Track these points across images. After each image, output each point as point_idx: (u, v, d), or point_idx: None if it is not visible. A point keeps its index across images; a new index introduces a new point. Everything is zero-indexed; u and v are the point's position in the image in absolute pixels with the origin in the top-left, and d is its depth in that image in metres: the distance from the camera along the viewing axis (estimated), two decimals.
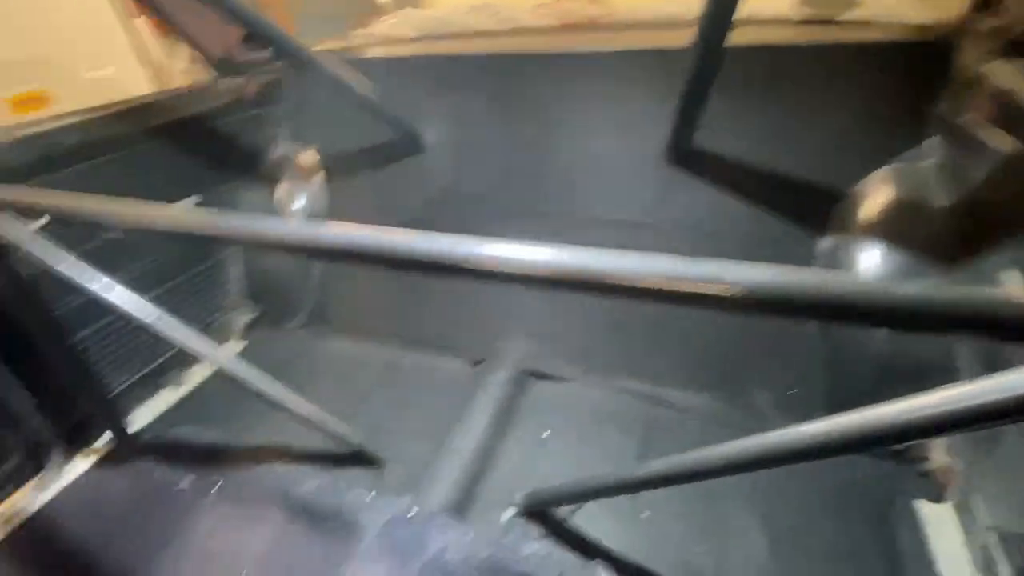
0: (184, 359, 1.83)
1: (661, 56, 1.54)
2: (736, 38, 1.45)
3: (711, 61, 1.11)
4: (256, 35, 1.56)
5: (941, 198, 1.27)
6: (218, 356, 1.34)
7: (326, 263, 2.01)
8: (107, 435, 1.56)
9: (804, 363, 1.44)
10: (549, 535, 1.24)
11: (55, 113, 1.49)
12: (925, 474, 1.28)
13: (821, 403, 1.43)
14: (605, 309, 1.67)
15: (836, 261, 1.38)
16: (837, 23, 1.56)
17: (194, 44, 1.76)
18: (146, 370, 1.73)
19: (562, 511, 1.28)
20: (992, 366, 1.07)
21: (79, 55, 2.90)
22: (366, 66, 1.86)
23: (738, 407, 1.49)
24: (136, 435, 1.54)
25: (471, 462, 1.40)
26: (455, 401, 1.61)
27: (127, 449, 1.53)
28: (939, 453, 1.27)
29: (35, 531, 1.38)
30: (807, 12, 1.64)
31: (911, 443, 1.30)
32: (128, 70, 3.25)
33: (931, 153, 1.33)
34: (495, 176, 1.78)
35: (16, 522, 1.39)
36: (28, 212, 1.09)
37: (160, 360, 1.77)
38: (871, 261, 1.31)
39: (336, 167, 1.99)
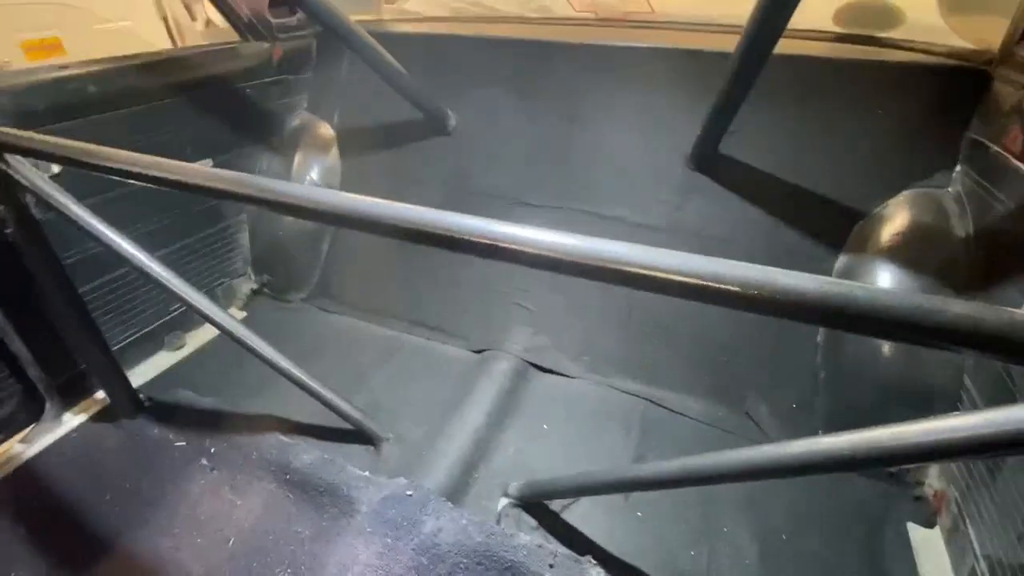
0: (186, 321, 1.82)
1: (695, 57, 1.52)
2: (774, 48, 1.44)
3: (753, 68, 1.10)
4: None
5: (961, 228, 1.27)
6: (223, 318, 1.33)
7: (335, 239, 1.99)
8: (104, 391, 1.55)
9: (805, 378, 1.45)
10: (542, 527, 1.24)
11: (68, 61, 1.47)
12: (919, 498, 1.29)
13: (819, 419, 1.43)
14: (610, 309, 1.66)
15: (856, 280, 1.38)
16: (875, 41, 1.54)
17: (223, 4, 1.73)
18: (147, 329, 1.72)
19: (556, 504, 1.28)
20: (995, 398, 1.08)
21: (97, 4, 2.86)
22: (394, 42, 1.84)
23: (736, 416, 1.50)
24: (134, 393, 1.53)
25: (468, 448, 1.40)
26: (455, 386, 1.61)
27: (123, 406, 1.52)
28: (934, 478, 1.28)
29: (24, 480, 1.37)
30: (845, 27, 1.62)
31: (907, 467, 1.31)
32: (146, 24, 3.20)
33: (957, 180, 1.32)
34: (514, 165, 1.77)
35: (6, 470, 1.38)
36: (44, 158, 1.07)
37: (162, 320, 1.75)
38: (886, 284, 1.31)
39: (354, 142, 1.97)
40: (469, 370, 1.67)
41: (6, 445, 1.44)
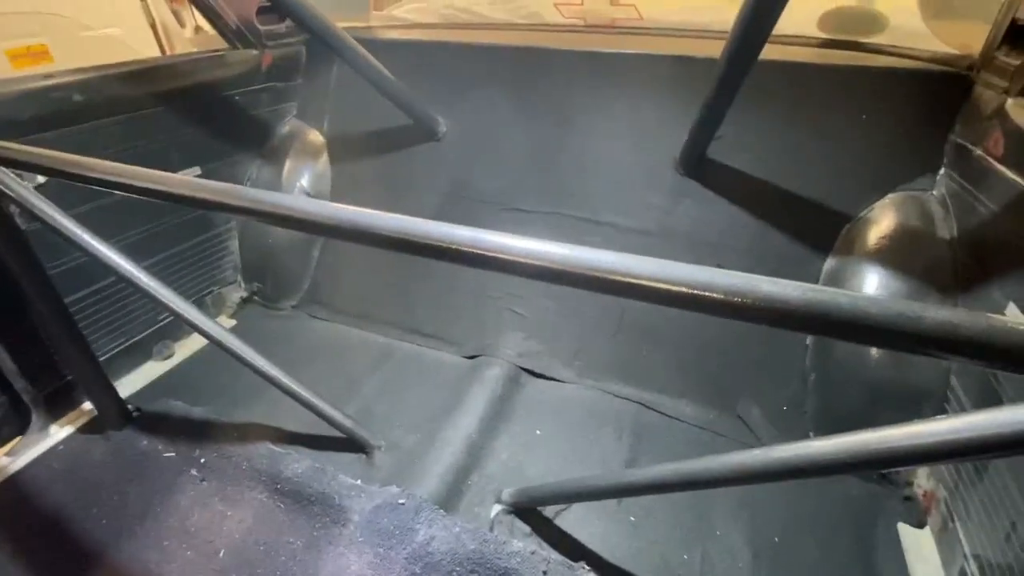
0: (175, 331, 1.81)
1: (683, 63, 1.54)
2: (760, 53, 1.45)
3: (738, 74, 1.11)
4: (278, 6, 1.52)
5: (945, 230, 1.29)
6: (211, 328, 1.32)
7: (326, 246, 1.99)
8: (91, 402, 1.53)
9: (795, 381, 1.46)
10: (535, 533, 1.24)
11: (55, 69, 1.46)
12: (909, 498, 1.30)
13: (810, 421, 1.44)
14: (602, 314, 1.67)
15: (839, 283, 1.39)
16: (860, 46, 1.56)
17: (210, 11, 1.72)
18: (135, 339, 1.70)
19: (549, 510, 1.28)
20: (982, 399, 1.10)
21: (84, 11, 2.83)
22: (383, 48, 1.84)
23: (728, 419, 1.50)
24: (121, 404, 1.51)
25: (461, 455, 1.40)
26: (448, 393, 1.60)
27: (111, 417, 1.50)
28: (923, 479, 1.29)
29: (10, 493, 1.35)
30: (830, 33, 1.65)
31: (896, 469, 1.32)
32: (134, 32, 3.17)
33: (942, 183, 1.34)
34: (505, 172, 1.77)
35: None
36: (28, 169, 1.06)
37: (150, 329, 1.74)
38: (873, 287, 1.33)
39: (344, 148, 1.97)
40: (461, 376, 1.67)
41: None
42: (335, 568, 1.14)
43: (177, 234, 1.76)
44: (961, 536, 1.10)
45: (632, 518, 1.28)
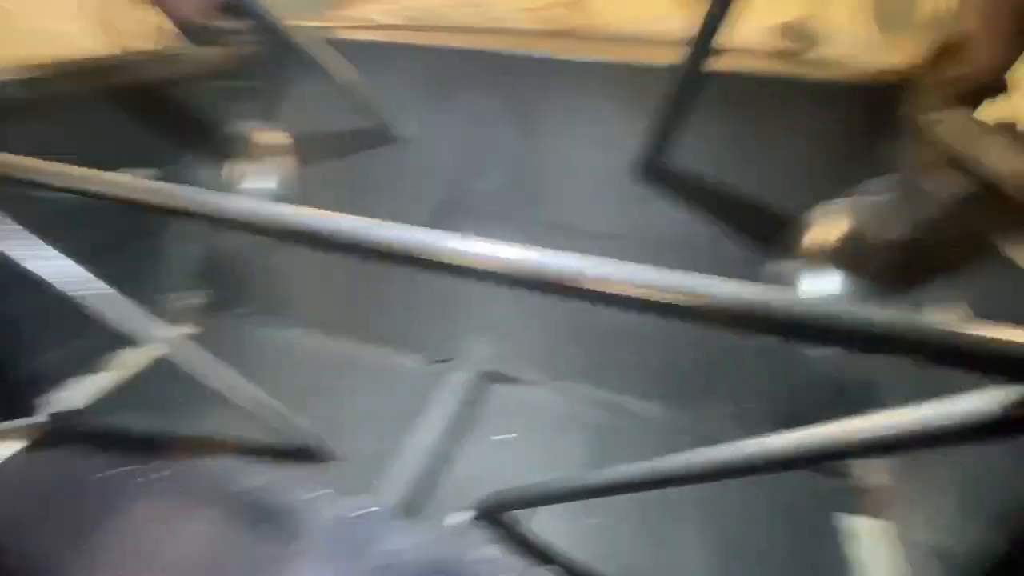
0: (126, 341, 1.72)
1: (641, 71, 1.57)
2: (713, 64, 1.49)
3: (690, 85, 1.14)
4: (235, 4, 1.48)
5: (888, 233, 1.35)
6: (164, 337, 1.27)
7: (285, 250, 1.94)
8: (37, 417, 1.45)
9: (758, 378, 1.51)
10: (502, 539, 1.24)
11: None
12: (860, 490, 1.36)
13: (773, 416, 1.49)
14: (569, 316, 1.68)
15: (787, 284, 1.44)
16: (807, 59, 1.63)
17: (165, 6, 1.66)
18: (84, 350, 1.62)
19: (516, 514, 1.28)
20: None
21: (33, 4, 2.69)
22: (346, 49, 1.81)
23: (694, 418, 1.54)
24: (68, 418, 1.44)
25: (426, 462, 1.38)
26: (413, 399, 1.59)
27: (57, 433, 1.42)
28: (873, 470, 1.35)
29: None
30: (781, 45, 1.71)
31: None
32: (82, 26, 3.03)
33: (883, 189, 1.41)
34: (468, 175, 1.77)
35: None
36: None
37: (100, 340, 1.66)
38: (818, 287, 1.39)
39: (307, 151, 1.93)
40: (427, 382, 1.66)
41: None
42: None
43: (127, 238, 1.68)
44: (908, 524, 1.16)
45: (597, 519, 1.30)
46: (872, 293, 1.34)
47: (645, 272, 0.55)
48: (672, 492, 1.35)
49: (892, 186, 1.39)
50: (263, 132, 1.94)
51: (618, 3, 2.06)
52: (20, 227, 1.09)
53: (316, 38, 1.64)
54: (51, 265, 1.13)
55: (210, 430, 1.47)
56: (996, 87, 1.11)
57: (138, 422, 1.48)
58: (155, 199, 0.78)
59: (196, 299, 1.96)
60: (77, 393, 1.60)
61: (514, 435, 1.50)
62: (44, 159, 0.86)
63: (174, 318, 1.91)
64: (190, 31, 1.73)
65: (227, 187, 1.88)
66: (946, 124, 1.17)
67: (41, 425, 1.45)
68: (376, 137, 1.82)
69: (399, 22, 2.21)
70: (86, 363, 1.63)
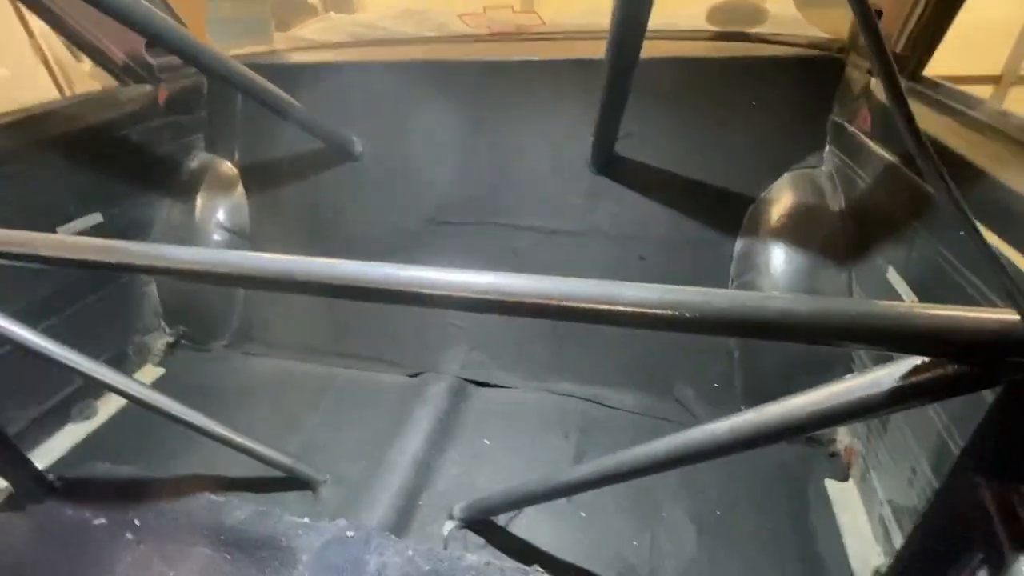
0: (95, 389, 1.70)
1: (585, 66, 1.58)
2: (652, 51, 1.51)
3: (624, 72, 1.16)
4: (155, 41, 1.45)
5: (835, 203, 1.39)
6: (129, 384, 1.25)
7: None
8: (5, 479, 1.42)
9: (723, 360, 1.53)
10: (489, 544, 1.25)
11: None
12: (834, 455, 1.39)
13: (738, 394, 1.52)
14: (537, 321, 1.69)
15: (749, 262, 1.47)
16: (745, 37, 1.66)
17: (93, 50, 1.63)
18: (50, 403, 1.59)
19: (502, 518, 1.29)
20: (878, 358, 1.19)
21: None
22: (290, 73, 1.80)
23: (666, 403, 1.56)
24: (39, 475, 1.41)
25: (410, 477, 1.39)
26: (393, 415, 1.59)
27: (31, 491, 1.39)
28: (844, 436, 1.39)
29: None
30: (718, 26, 1.74)
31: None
32: (25, 72, 2.95)
33: (828, 160, 1.45)
34: (427, 184, 1.77)
35: None
36: None
37: (66, 391, 1.63)
38: (778, 262, 1.42)
39: (258, 178, 1.90)
40: (405, 396, 1.66)
41: None
42: None
43: (81, 286, 1.65)
44: (876, 484, 1.19)
45: (583, 513, 1.32)
46: (824, 265, 1.37)
47: (601, 287, 0.56)
48: (649, 477, 1.38)
49: (833, 157, 1.43)
50: (208, 164, 1.91)
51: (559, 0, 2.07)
52: None
53: (258, 64, 1.62)
54: (7, 329, 1.10)
55: (189, 471, 1.45)
56: (921, 53, 1.14)
57: (111, 472, 1.45)
58: (95, 257, 0.77)
59: (166, 337, 1.93)
60: (45, 450, 1.57)
61: (486, 442, 1.51)
62: None
63: (144, 359, 1.89)
64: (121, 70, 1.70)
65: (181, 223, 1.85)
66: (878, 93, 1.20)
67: (5, 490, 1.42)
68: (330, 157, 1.81)
69: (343, 39, 2.20)
70: (51, 419, 1.60)
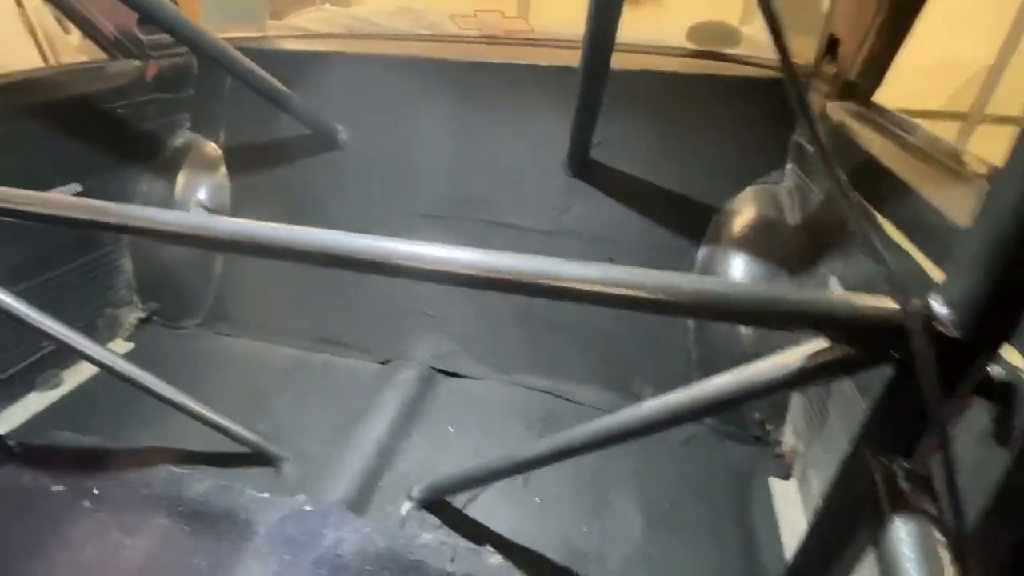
0: (61, 359, 1.70)
1: (566, 72, 1.65)
2: (631, 63, 1.58)
3: (596, 80, 1.22)
4: (147, 17, 1.48)
5: (792, 217, 1.47)
6: (98, 352, 1.26)
7: (228, 259, 1.94)
8: None
9: (681, 358, 1.60)
10: (445, 525, 1.29)
11: None
12: (778, 455, 1.47)
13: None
14: (510, 312, 1.75)
15: (711, 269, 1.55)
16: (720, 56, 1.74)
17: (84, 22, 1.64)
18: (13, 370, 1.59)
19: (459, 501, 1.33)
20: None
21: None
22: (280, 59, 1.83)
23: (626, 398, 1.62)
24: (3, 440, 1.41)
25: (372, 458, 1.42)
26: (361, 400, 1.62)
27: None
28: (789, 437, 1.46)
29: None
30: (696, 45, 1.82)
31: (768, 428, 1.49)
32: (11, 42, 2.92)
33: (788, 177, 1.53)
34: (408, 178, 1.81)
35: None
36: None
37: (31, 359, 1.62)
38: (737, 271, 1.49)
39: (242, 160, 1.93)
40: (374, 382, 1.69)
41: None
42: None
43: (56, 255, 1.65)
44: (813, 481, 1.27)
45: (537, 499, 1.36)
46: (780, 274, 1.45)
47: (581, 268, 0.60)
48: (604, 470, 1.43)
49: (793, 174, 1.51)
50: (193, 143, 1.93)
51: (551, 8, 2.14)
52: None
53: (249, 48, 1.65)
54: None
55: (152, 443, 1.46)
56: (872, 80, 1.23)
57: (74, 440, 1.46)
58: (81, 215, 0.79)
59: (138, 312, 1.93)
60: (8, 415, 1.56)
61: (450, 429, 1.55)
62: None
63: (114, 333, 1.89)
64: (111, 44, 1.72)
65: (161, 199, 1.86)
66: (832, 115, 1.28)
67: None
68: (315, 144, 1.85)
69: (336, 31, 2.24)
70: (15, 384, 1.60)
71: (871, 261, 0.98)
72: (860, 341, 0.54)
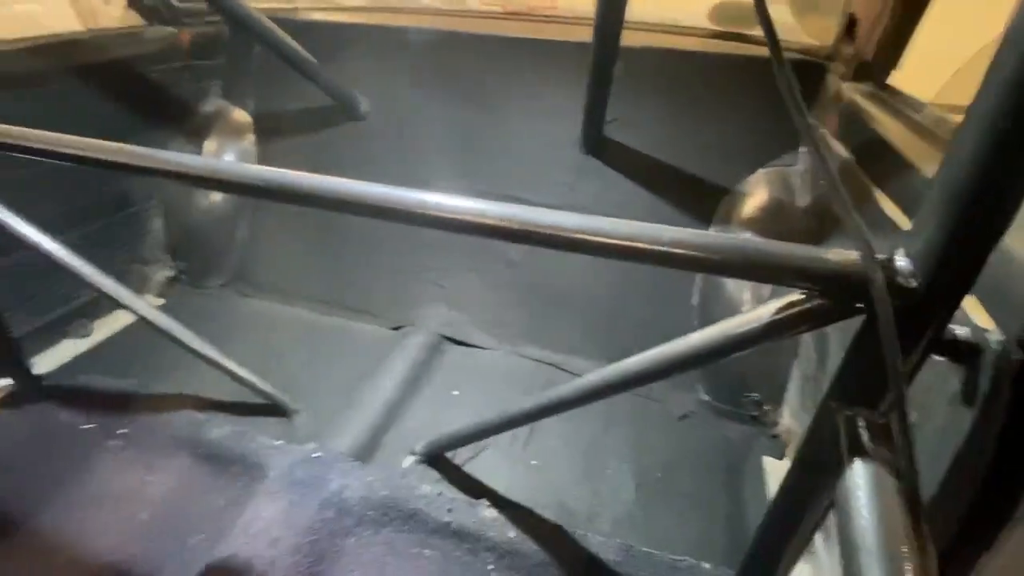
0: (94, 309, 1.80)
1: (584, 49, 1.66)
2: (649, 41, 1.59)
3: (606, 57, 1.24)
4: None
5: (802, 199, 1.47)
6: (133, 300, 1.35)
7: (253, 224, 2.02)
8: (8, 378, 1.52)
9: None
10: (445, 479, 1.35)
11: None
12: (775, 436, 1.49)
13: (697, 373, 1.62)
14: (518, 287, 1.79)
15: None
16: (741, 37, 1.73)
17: None
18: (51, 317, 1.69)
19: (459, 459, 1.39)
20: (822, 347, 1.28)
21: None
22: (308, 29, 1.88)
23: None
24: (37, 380, 1.51)
25: (379, 415, 1.49)
26: (371, 361, 1.68)
27: (29, 393, 1.50)
28: (786, 418, 1.48)
29: None
30: (717, 25, 1.81)
31: (766, 408, 1.51)
32: (54, 7, 3.03)
33: (801, 159, 1.53)
34: (426, 150, 1.86)
35: None
36: None
37: (67, 308, 1.73)
38: None
39: (269, 127, 2.00)
40: (384, 346, 1.75)
41: None
42: (250, 517, 1.21)
43: (94, 211, 1.75)
44: None
45: (534, 461, 1.42)
46: None
47: (595, 221, 0.64)
48: (601, 440, 1.47)
49: (806, 157, 1.51)
50: (222, 110, 2.00)
51: None
52: None
53: (277, 18, 1.71)
54: (17, 231, 1.20)
55: (175, 390, 1.56)
56: (887, 62, 1.22)
57: (104, 384, 1.56)
58: (121, 159, 0.86)
59: (166, 271, 2.03)
60: (45, 358, 1.67)
61: (455, 393, 1.61)
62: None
63: (143, 289, 1.99)
64: (149, 11, 1.79)
65: None
66: (845, 96, 1.28)
67: (8, 387, 1.52)
68: (338, 114, 1.90)
69: (363, 3, 2.28)
70: (52, 330, 1.70)
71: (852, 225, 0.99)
72: (829, 294, 0.56)
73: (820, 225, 1.38)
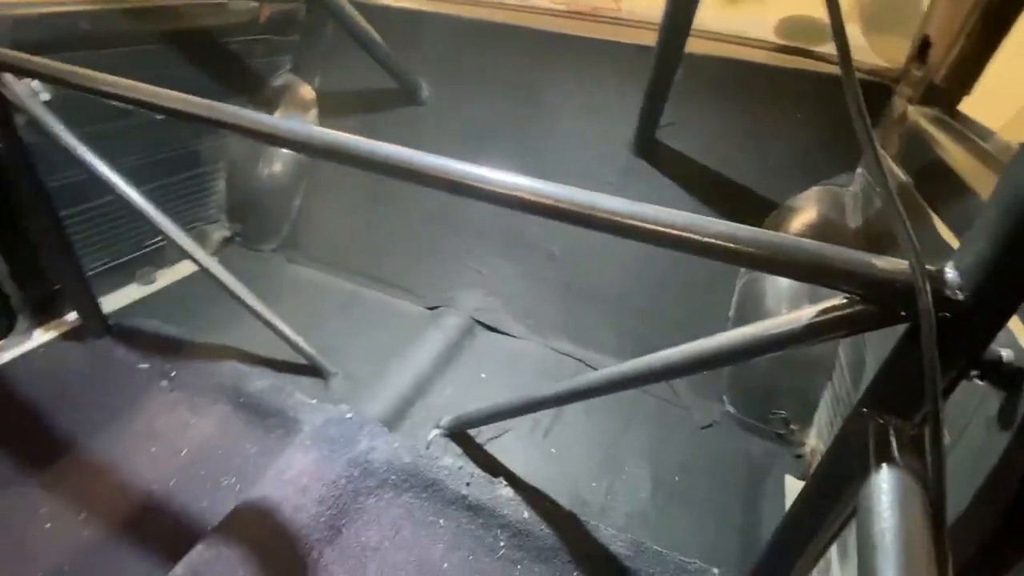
0: (159, 259, 1.93)
1: (645, 52, 1.67)
2: (712, 49, 1.59)
3: (669, 63, 1.25)
4: None
5: (854, 221, 1.45)
6: (198, 252, 1.45)
7: (307, 194, 2.11)
8: (75, 313, 1.65)
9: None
10: (465, 454, 1.39)
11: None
12: (799, 456, 1.47)
13: (724, 384, 1.61)
14: (553, 278, 1.82)
15: None
16: (806, 53, 1.71)
17: None
18: (121, 260, 1.82)
19: (481, 438, 1.44)
20: (856, 363, 1.26)
21: None
22: (376, 13, 1.96)
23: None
24: (102, 316, 1.63)
25: (409, 386, 1.54)
26: (406, 336, 1.75)
27: (92, 328, 1.63)
28: (813, 439, 1.46)
29: None
30: (784, 39, 1.79)
31: (793, 427, 1.49)
32: None
33: (856, 181, 1.50)
34: (479, 138, 1.90)
35: None
36: (37, 76, 1.17)
37: (136, 254, 1.86)
38: None
39: (333, 105, 2.09)
40: (421, 323, 1.81)
41: None
42: (282, 465, 1.28)
43: (170, 166, 1.87)
44: None
45: (553, 450, 1.44)
46: None
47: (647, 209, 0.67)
48: (621, 439, 1.49)
49: (862, 177, 1.48)
50: (291, 84, 2.11)
51: None
52: (76, 139, 1.26)
53: (354, 0, 1.79)
54: (102, 177, 1.30)
55: (223, 341, 1.65)
56: (959, 87, 1.19)
57: (160, 328, 1.67)
58: (200, 112, 0.94)
59: (224, 232, 2.15)
60: (109, 299, 1.80)
61: (483, 375, 1.65)
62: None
63: (202, 245, 2.10)
64: None
65: None
66: (912, 120, 1.26)
67: (74, 321, 1.65)
68: (399, 97, 1.97)
69: None
70: (119, 273, 1.83)
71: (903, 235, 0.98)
72: (874, 299, 0.57)
73: (868, 249, 1.35)
